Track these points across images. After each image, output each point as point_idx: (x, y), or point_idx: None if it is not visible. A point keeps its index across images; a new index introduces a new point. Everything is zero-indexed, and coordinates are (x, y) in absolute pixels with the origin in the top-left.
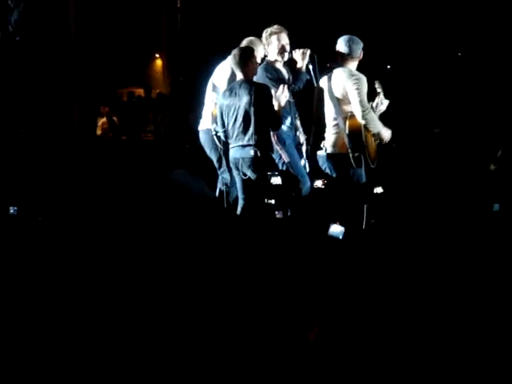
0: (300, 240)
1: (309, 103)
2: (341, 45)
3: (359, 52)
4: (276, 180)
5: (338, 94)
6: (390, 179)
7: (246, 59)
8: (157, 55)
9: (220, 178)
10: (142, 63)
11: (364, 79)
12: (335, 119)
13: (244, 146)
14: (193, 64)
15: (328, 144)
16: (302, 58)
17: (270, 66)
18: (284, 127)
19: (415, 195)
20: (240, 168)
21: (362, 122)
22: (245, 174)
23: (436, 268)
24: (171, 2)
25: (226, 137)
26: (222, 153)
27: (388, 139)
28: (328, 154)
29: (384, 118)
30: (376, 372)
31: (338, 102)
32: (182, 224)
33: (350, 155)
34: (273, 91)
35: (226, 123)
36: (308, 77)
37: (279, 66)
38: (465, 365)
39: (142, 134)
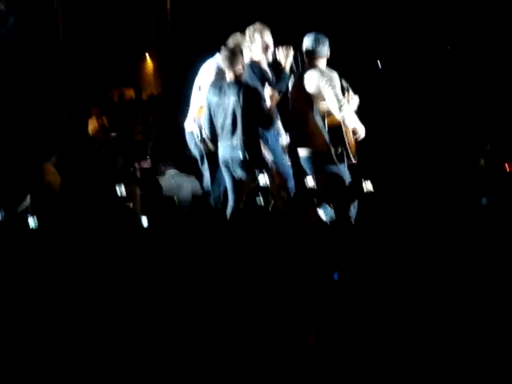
0: (295, 243)
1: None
2: (306, 45)
3: (326, 50)
4: (262, 179)
5: (311, 94)
6: (379, 176)
7: (235, 59)
8: (147, 55)
9: (203, 177)
10: (133, 63)
11: (335, 75)
12: (313, 118)
13: (233, 147)
14: (183, 63)
15: (307, 144)
16: (285, 56)
17: (255, 66)
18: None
19: (405, 191)
20: (231, 168)
21: (340, 118)
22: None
23: (426, 266)
24: (161, 2)
25: (212, 134)
26: (204, 152)
27: (363, 134)
28: (308, 154)
29: (372, 115)
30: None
31: (314, 102)
32: (171, 230)
33: (332, 151)
34: (269, 90)
35: (214, 121)
36: (291, 77)
37: (264, 65)
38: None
39: (133, 136)
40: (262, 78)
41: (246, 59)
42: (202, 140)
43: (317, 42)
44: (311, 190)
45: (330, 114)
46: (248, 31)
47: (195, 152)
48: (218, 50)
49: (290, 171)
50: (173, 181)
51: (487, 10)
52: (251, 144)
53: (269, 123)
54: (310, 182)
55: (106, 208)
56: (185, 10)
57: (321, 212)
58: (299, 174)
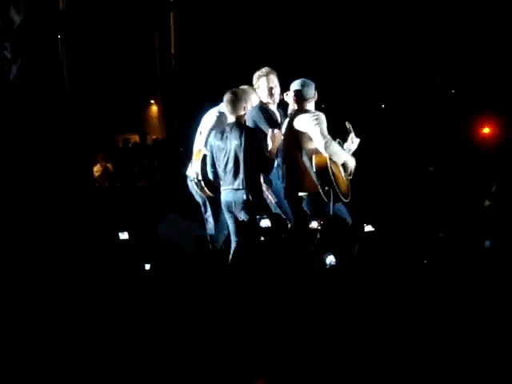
0: (295, 280)
1: None
2: (294, 88)
3: (312, 93)
4: (265, 223)
5: (300, 135)
6: (383, 218)
7: (238, 103)
8: (152, 101)
9: (206, 222)
10: (138, 109)
11: (322, 115)
12: (301, 160)
13: (236, 190)
14: (188, 109)
15: (301, 186)
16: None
17: (263, 108)
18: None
19: (408, 232)
20: (233, 211)
21: (327, 155)
22: (237, 218)
23: (424, 304)
24: (165, 48)
25: (215, 177)
26: (205, 198)
27: (353, 168)
28: (304, 197)
29: (378, 158)
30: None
31: (302, 142)
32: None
33: (321, 191)
34: (273, 133)
35: (216, 165)
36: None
37: (272, 108)
38: None
39: (137, 181)
40: (271, 119)
41: (254, 104)
42: (199, 185)
43: (303, 85)
44: (312, 232)
45: (317, 152)
46: (254, 77)
47: (197, 197)
48: (222, 96)
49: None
50: (175, 225)
51: (486, 49)
52: (253, 186)
53: (269, 167)
54: (313, 224)
55: (109, 253)
56: (189, 56)
57: (323, 256)
58: (300, 216)
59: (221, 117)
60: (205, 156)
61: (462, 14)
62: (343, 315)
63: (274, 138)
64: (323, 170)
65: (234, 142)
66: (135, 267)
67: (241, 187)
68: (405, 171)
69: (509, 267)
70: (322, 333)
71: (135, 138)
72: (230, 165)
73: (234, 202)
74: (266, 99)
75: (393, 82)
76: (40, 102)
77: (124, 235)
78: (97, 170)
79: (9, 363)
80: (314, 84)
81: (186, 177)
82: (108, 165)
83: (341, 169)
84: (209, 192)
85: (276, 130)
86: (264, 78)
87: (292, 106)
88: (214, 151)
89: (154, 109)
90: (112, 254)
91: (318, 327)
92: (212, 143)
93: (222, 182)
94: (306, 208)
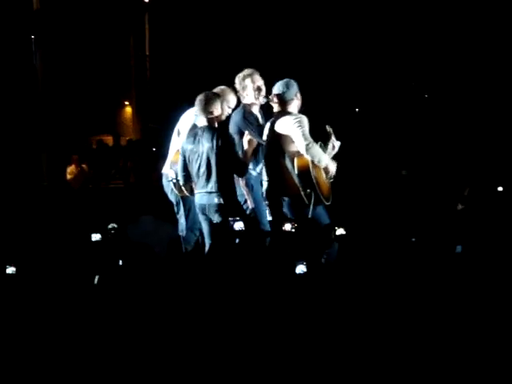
0: (266, 281)
1: None
2: (276, 90)
3: (294, 94)
4: (238, 225)
5: (282, 137)
6: (355, 221)
7: (210, 105)
8: (126, 102)
9: (178, 223)
10: (112, 111)
11: (304, 118)
12: (283, 162)
13: (209, 193)
14: (162, 111)
15: (282, 189)
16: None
17: (247, 111)
18: (253, 172)
19: (380, 236)
20: (207, 213)
21: (308, 158)
22: (211, 220)
23: (395, 311)
24: (140, 50)
25: (187, 180)
26: (179, 198)
27: (334, 173)
28: (286, 199)
29: (351, 162)
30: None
31: (284, 145)
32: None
33: (302, 193)
34: (249, 136)
35: (189, 168)
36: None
37: (255, 109)
38: None
39: (110, 182)
40: (256, 123)
41: (228, 110)
42: (177, 185)
43: (284, 86)
44: (287, 235)
45: (299, 155)
46: (238, 78)
47: (171, 197)
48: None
49: (267, 222)
50: (148, 226)
51: (466, 57)
52: (226, 189)
53: (243, 169)
54: (286, 226)
55: (82, 254)
56: (164, 56)
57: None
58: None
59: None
60: None
61: (438, 17)
62: (318, 316)
63: (249, 141)
64: (305, 172)
65: (205, 145)
66: (107, 268)
67: (214, 190)
68: (378, 175)
69: (479, 271)
70: (296, 335)
71: (109, 139)
72: (203, 168)
73: (208, 205)
74: (251, 100)
75: (367, 86)
76: (13, 102)
77: (96, 236)
78: (71, 171)
79: None
80: (297, 85)
81: (161, 176)
82: (83, 166)
83: (322, 172)
84: (186, 192)
85: (247, 134)
86: (249, 79)
87: (276, 109)
88: (187, 155)
89: (128, 110)
90: (84, 255)
91: (291, 328)
92: (184, 147)
93: (194, 185)
94: (286, 211)
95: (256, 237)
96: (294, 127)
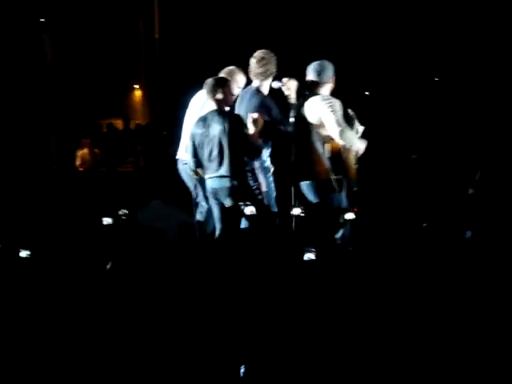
0: (275, 267)
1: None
2: (310, 72)
3: (329, 77)
4: (249, 209)
5: (313, 120)
6: (366, 205)
7: (219, 89)
8: (136, 86)
9: (198, 207)
10: (121, 94)
11: (338, 102)
12: (314, 145)
13: (221, 177)
14: (172, 94)
15: (309, 172)
16: (289, 88)
17: (262, 96)
18: (266, 157)
19: (391, 220)
20: (219, 198)
21: (341, 143)
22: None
23: (406, 298)
24: (149, 33)
25: (197, 166)
26: (197, 182)
27: (362, 151)
28: (310, 182)
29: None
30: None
31: (315, 128)
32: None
33: (333, 179)
34: (255, 116)
35: (199, 153)
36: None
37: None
38: None
39: (121, 166)
40: (275, 105)
41: (237, 90)
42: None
43: (320, 68)
44: (297, 218)
45: (331, 139)
46: (254, 59)
47: (188, 182)
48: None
49: (274, 200)
50: (159, 211)
51: (477, 41)
52: (238, 173)
53: (255, 151)
54: (295, 211)
55: (93, 238)
56: (174, 39)
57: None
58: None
59: (208, 104)
60: None
61: (446, 9)
62: (327, 306)
63: (256, 123)
64: (337, 157)
65: (217, 128)
66: (118, 253)
67: (226, 174)
68: (388, 159)
69: (489, 257)
70: (308, 324)
71: (119, 122)
72: (215, 152)
73: (220, 189)
74: (265, 84)
75: (377, 69)
76: (23, 85)
77: (108, 220)
78: (82, 154)
79: None
80: (333, 67)
81: (177, 161)
82: (96, 150)
83: (352, 156)
84: (202, 174)
85: (256, 114)
86: (269, 61)
87: (293, 95)
88: (197, 140)
89: (138, 94)
90: (95, 239)
91: (303, 317)
92: (194, 132)
93: (205, 170)
94: (307, 194)
95: (267, 221)
96: (326, 112)
